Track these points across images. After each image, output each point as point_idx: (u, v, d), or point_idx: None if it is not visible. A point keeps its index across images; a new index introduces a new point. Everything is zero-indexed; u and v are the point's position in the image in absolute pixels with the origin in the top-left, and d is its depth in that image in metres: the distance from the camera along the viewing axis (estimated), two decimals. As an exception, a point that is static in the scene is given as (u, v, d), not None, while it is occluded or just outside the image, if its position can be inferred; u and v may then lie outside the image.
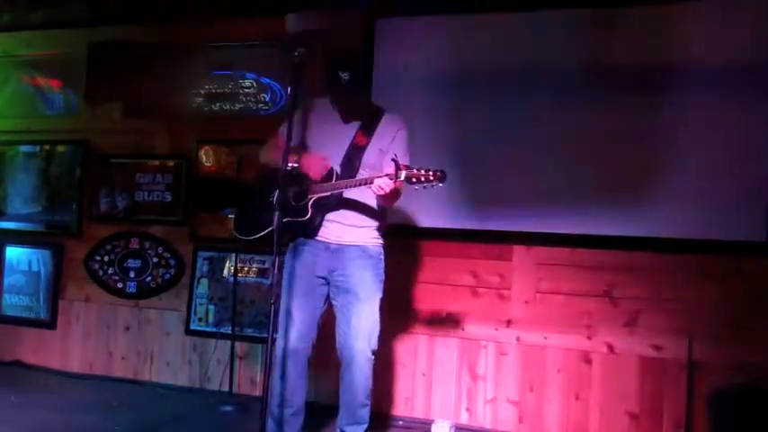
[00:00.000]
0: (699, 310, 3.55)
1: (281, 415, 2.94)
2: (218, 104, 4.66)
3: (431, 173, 2.56)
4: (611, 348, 3.70)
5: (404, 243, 3.87)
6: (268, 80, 4.54)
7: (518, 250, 3.90)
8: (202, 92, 4.70)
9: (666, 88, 3.69)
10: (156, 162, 4.76)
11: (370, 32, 4.23)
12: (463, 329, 3.97)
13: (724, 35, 3.61)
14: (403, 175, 2.58)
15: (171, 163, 4.72)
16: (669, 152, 3.64)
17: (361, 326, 2.90)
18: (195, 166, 4.64)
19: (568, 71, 3.84)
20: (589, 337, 3.74)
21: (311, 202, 2.88)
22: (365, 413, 2.97)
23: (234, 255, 4.36)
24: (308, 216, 2.88)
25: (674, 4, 3.71)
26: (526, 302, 3.87)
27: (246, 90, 4.59)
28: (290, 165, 2.76)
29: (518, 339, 3.87)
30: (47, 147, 5.04)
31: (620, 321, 3.69)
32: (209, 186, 4.59)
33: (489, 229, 3.93)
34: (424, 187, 2.59)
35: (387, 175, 2.63)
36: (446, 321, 4.00)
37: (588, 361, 3.74)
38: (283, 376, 2.93)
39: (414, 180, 2.58)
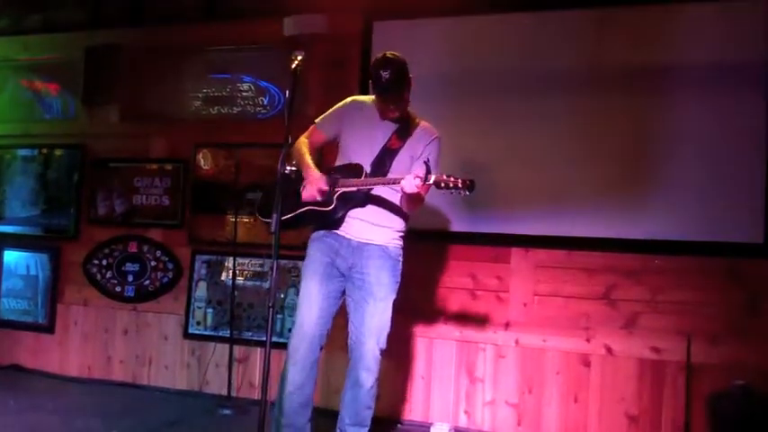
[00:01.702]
0: (697, 312, 3.55)
1: (291, 405, 2.91)
2: (215, 108, 4.66)
3: (459, 180, 2.62)
4: (609, 350, 3.70)
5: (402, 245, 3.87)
6: (266, 83, 4.54)
7: (516, 253, 3.90)
8: (200, 95, 4.70)
9: (664, 89, 3.70)
10: (154, 166, 4.76)
11: (368, 35, 4.23)
12: (461, 332, 3.97)
13: (723, 35, 3.62)
14: (432, 178, 2.64)
15: (169, 166, 4.72)
16: (667, 154, 3.65)
17: (374, 324, 2.92)
18: (193, 170, 4.64)
19: (566, 72, 3.85)
20: (588, 340, 3.74)
21: (337, 194, 2.91)
22: (368, 416, 2.97)
23: (232, 258, 4.36)
24: (331, 206, 2.91)
25: (674, 3, 3.72)
26: (524, 305, 3.87)
27: (244, 93, 4.59)
28: (287, 169, 2.77)
29: (516, 342, 3.87)
30: (45, 150, 5.05)
31: (619, 323, 3.69)
32: (206, 190, 4.59)
33: (487, 232, 3.93)
34: (451, 193, 2.66)
35: (416, 175, 2.66)
36: (444, 324, 4.00)
37: (587, 363, 3.74)
38: (298, 362, 2.91)
39: (442, 185, 2.64)
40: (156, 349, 4.65)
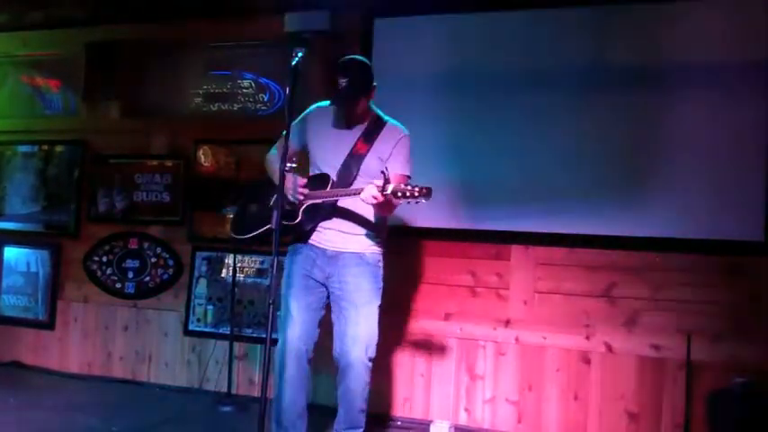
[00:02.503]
0: (697, 310, 3.55)
1: (287, 418, 2.93)
2: (216, 104, 4.66)
3: (416, 189, 2.53)
4: (609, 348, 3.70)
5: (401, 243, 3.86)
6: (266, 80, 4.54)
7: (516, 250, 3.90)
8: (201, 92, 4.69)
9: (665, 88, 3.69)
10: (155, 162, 4.76)
11: (368, 32, 4.22)
12: (461, 329, 3.97)
13: (723, 34, 3.61)
14: (390, 188, 2.56)
15: (169, 163, 4.72)
16: (667, 152, 3.64)
17: (359, 334, 2.88)
18: (193, 167, 4.64)
19: (568, 70, 3.84)
20: (588, 337, 3.74)
21: (302, 207, 2.88)
22: (362, 417, 2.97)
23: (232, 255, 4.36)
24: (297, 220, 2.88)
25: (674, 2, 3.71)
26: (525, 302, 3.87)
27: (245, 90, 4.59)
28: (288, 165, 2.76)
29: (517, 339, 3.87)
30: (45, 147, 5.05)
31: (619, 321, 3.69)
32: (207, 186, 4.59)
33: (487, 229, 3.93)
34: (408, 202, 2.58)
35: (375, 186, 2.59)
36: (444, 321, 4.00)
37: (587, 361, 3.74)
38: (287, 378, 2.92)
39: (399, 194, 2.55)
40: (157, 346, 4.65)
